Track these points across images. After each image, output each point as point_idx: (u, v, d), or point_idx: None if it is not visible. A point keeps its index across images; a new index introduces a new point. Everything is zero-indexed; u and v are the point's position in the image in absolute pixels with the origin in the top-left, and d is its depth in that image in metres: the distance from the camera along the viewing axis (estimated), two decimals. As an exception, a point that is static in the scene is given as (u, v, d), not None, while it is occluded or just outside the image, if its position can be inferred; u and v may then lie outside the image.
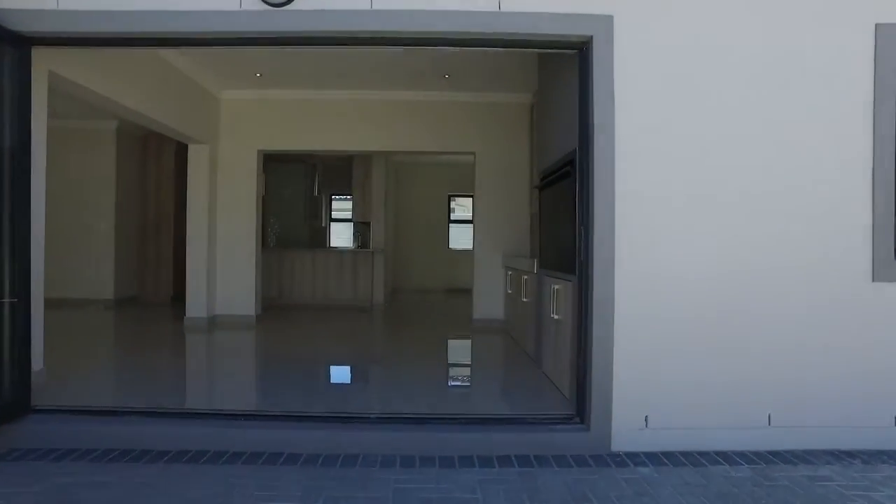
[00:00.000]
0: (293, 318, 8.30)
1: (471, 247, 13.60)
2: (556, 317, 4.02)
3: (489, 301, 7.18)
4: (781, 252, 3.21)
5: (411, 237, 12.71)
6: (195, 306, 6.85)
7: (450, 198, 12.99)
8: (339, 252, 9.65)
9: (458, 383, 4.92)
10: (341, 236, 12.85)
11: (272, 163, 12.45)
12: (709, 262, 3.20)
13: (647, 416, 3.18)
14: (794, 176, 3.21)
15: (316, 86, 6.98)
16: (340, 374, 5.02)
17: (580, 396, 3.29)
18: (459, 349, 6.47)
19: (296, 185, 12.43)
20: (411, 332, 7.27)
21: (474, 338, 6.78)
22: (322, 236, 12.66)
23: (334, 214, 12.98)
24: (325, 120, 7.17)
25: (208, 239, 6.87)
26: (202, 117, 6.71)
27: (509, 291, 6.52)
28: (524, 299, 5.37)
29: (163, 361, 5.26)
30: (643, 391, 3.19)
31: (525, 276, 5.34)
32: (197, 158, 6.83)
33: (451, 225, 13.01)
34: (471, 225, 13.72)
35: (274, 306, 9.14)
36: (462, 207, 13.47)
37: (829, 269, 3.22)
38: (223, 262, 7.14)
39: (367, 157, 9.91)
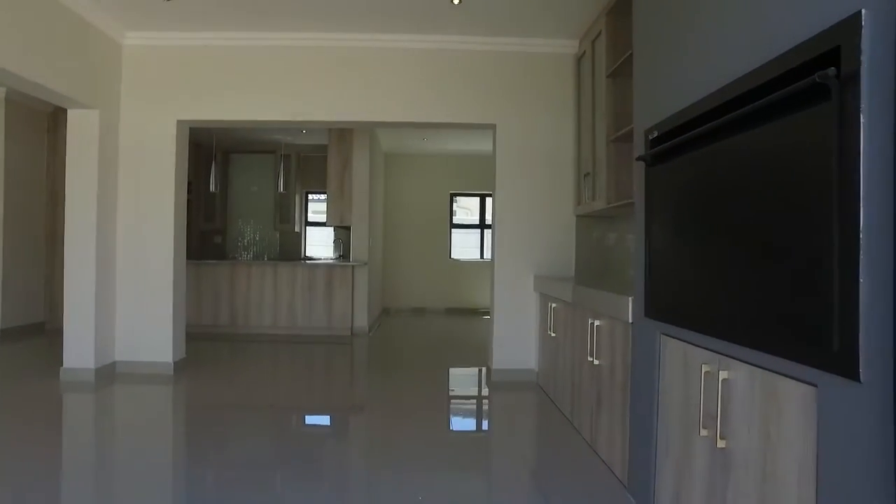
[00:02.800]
0: (234, 361, 6.01)
1: (478, 256, 11.60)
2: (721, 445, 1.77)
3: (514, 344, 4.92)
4: None
5: (404, 245, 10.45)
6: (77, 352, 4.56)
7: (452, 197, 10.73)
8: (310, 266, 7.39)
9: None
10: (321, 244, 10.58)
11: (232, 154, 10.24)
12: None
13: None
14: None
15: (266, 26, 4.74)
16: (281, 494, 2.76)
17: None
18: (472, 441, 4.21)
19: (263, 182, 10.21)
20: (400, 388, 5.01)
21: (496, 402, 4.53)
22: (295, 245, 10.41)
23: (312, 217, 10.72)
24: (278, 77, 4.92)
25: (98, 250, 4.59)
26: (88, 69, 4.45)
27: (552, 334, 4.26)
28: (595, 361, 3.11)
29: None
30: None
31: (597, 322, 3.09)
32: (81, 130, 4.55)
33: (452, 230, 10.75)
34: (476, 231, 11.55)
35: (219, 339, 6.86)
36: (465, 210, 11.21)
37: None
38: (125, 286, 4.86)
39: (345, 141, 7.66)
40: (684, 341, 2.05)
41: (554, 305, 4.19)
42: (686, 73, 2.09)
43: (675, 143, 2.05)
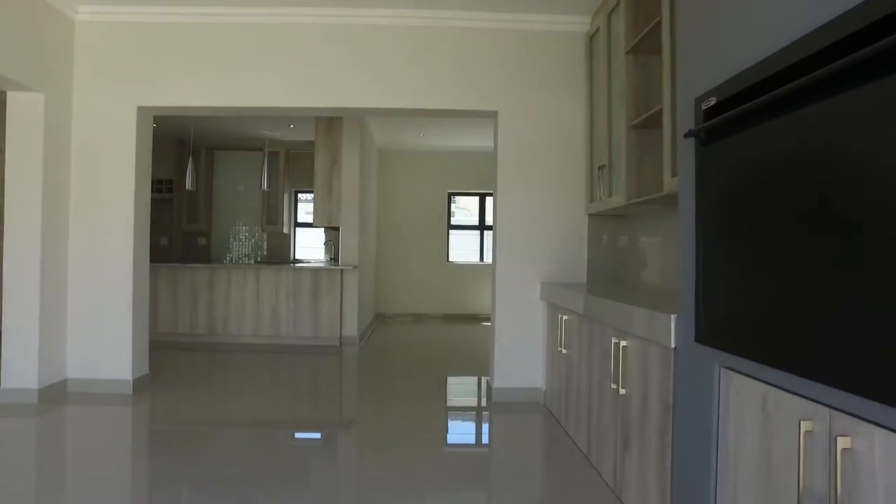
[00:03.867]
0: (208, 374, 5.44)
1: (477, 259, 11.01)
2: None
3: (519, 359, 4.35)
4: None
5: (399, 247, 9.88)
6: (18, 370, 3.99)
7: (450, 197, 10.17)
8: (295, 270, 6.82)
9: None
10: (312, 246, 10.02)
11: (217, 151, 9.67)
12: None
13: None
14: None
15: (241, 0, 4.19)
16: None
17: None
18: (471, 476, 3.64)
19: (250, 181, 9.65)
20: (388, 408, 4.44)
21: (497, 426, 3.96)
22: (284, 247, 9.84)
23: (303, 218, 10.16)
24: (256, 58, 4.36)
25: (43, 254, 4.02)
26: (32, 46, 3.89)
27: (563, 351, 3.69)
28: (620, 390, 2.54)
29: None
30: None
31: (623, 342, 2.53)
32: (21, 116, 3.98)
33: (450, 231, 10.19)
34: (476, 232, 10.95)
35: (196, 349, 6.28)
36: (464, 211, 10.65)
37: None
38: (79, 294, 4.29)
39: (333, 135, 7.10)
40: (763, 382, 1.48)
41: (566, 318, 3.62)
42: (762, 13, 1.53)
43: (746, 109, 1.49)
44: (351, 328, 6.94)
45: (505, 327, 4.38)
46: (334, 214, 7.06)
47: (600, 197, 3.96)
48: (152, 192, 9.16)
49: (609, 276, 4.35)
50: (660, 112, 3.02)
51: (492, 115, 4.48)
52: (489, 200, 10.14)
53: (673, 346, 1.98)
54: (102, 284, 4.29)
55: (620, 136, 3.55)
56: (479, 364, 5.72)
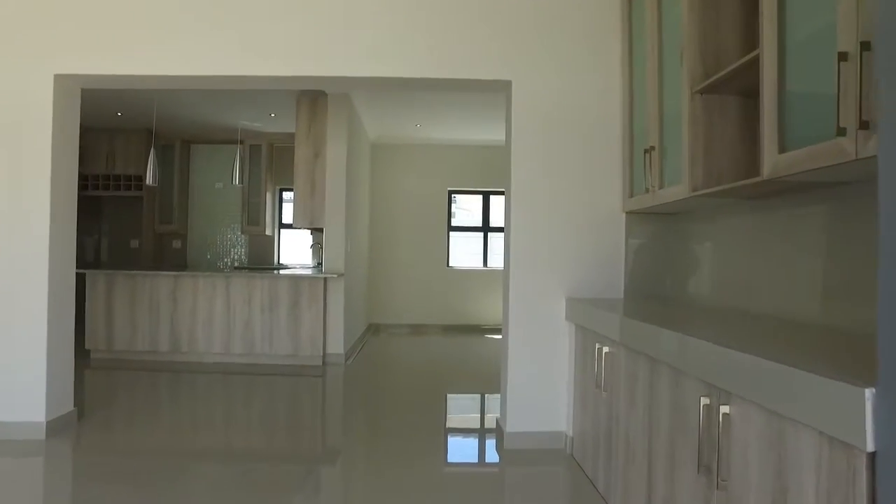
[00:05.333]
0: (163, 402, 4.51)
1: (480, 264, 10.06)
2: None
3: (537, 397, 3.41)
4: None
5: (394, 251, 8.96)
6: None
7: (450, 195, 9.25)
8: (271, 278, 5.90)
9: None
10: (299, 249, 9.11)
11: (194, 145, 8.75)
12: None
13: None
14: None
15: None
16: None
17: None
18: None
19: (229, 178, 8.74)
20: (372, 454, 3.52)
21: (511, 486, 3.05)
22: (267, 250, 8.93)
23: (288, 219, 9.24)
24: (209, 13, 3.45)
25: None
26: None
27: (601, 392, 2.76)
28: (719, 479, 1.61)
29: None
30: None
31: (724, 409, 1.61)
32: None
33: (451, 233, 9.27)
34: (479, 234, 9.91)
35: (157, 369, 5.36)
36: (466, 212, 9.73)
37: None
38: (-22, 311, 3.38)
39: (316, 121, 6.18)
40: None
41: (607, 350, 2.69)
42: None
43: None
44: (336, 345, 6.02)
45: (520, 355, 3.46)
46: (317, 214, 6.15)
47: (646, 189, 3.03)
48: (118, 188, 8.35)
49: (653, 290, 3.44)
50: (751, 64, 2.10)
51: (504, 88, 3.56)
52: (493, 200, 9.22)
53: (873, 447, 1.05)
54: (7, 302, 3.38)
55: (680, 106, 2.63)
56: (484, 384, 4.83)
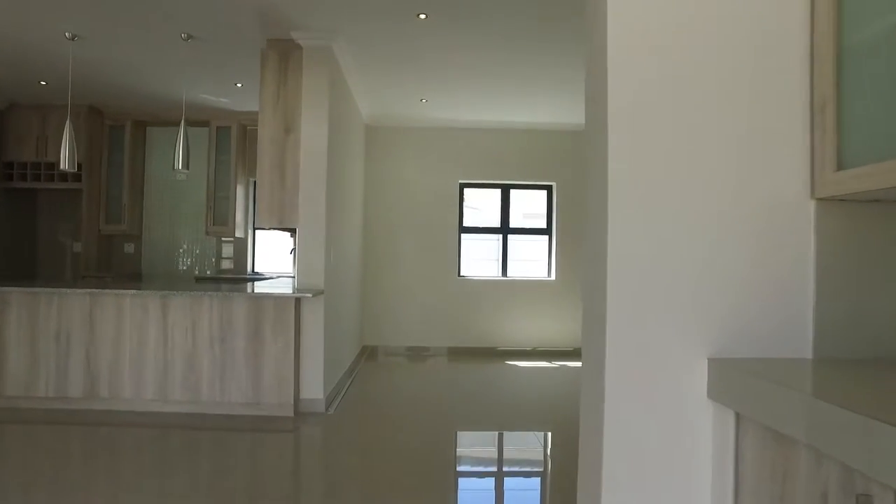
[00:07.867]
0: (60, 482, 2.92)
1: (498, 273, 7.45)
2: None
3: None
4: None
5: (393, 258, 7.39)
6: None
7: (462, 189, 7.67)
8: (221, 298, 4.32)
9: None
10: (279, 254, 7.56)
11: (150, 127, 7.15)
12: None
13: None
14: None
15: None
16: None
17: None
18: None
19: (193, 168, 7.18)
20: None
21: None
22: (240, 255, 7.37)
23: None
24: None
25: None
26: None
27: None
28: None
29: None
30: None
31: None
32: None
33: (462, 235, 7.69)
34: (496, 237, 7.52)
35: (66, 422, 3.77)
36: (476, 210, 8.13)
37: None
38: None
39: (289, 88, 4.59)
40: None
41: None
42: None
43: None
44: (313, 388, 4.44)
45: (617, 469, 1.86)
46: (289, 211, 4.57)
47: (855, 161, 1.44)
48: (52, 179, 6.70)
49: (874, 343, 1.84)
50: None
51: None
52: (514, 195, 7.64)
53: None
54: None
55: None
56: (520, 436, 3.24)
